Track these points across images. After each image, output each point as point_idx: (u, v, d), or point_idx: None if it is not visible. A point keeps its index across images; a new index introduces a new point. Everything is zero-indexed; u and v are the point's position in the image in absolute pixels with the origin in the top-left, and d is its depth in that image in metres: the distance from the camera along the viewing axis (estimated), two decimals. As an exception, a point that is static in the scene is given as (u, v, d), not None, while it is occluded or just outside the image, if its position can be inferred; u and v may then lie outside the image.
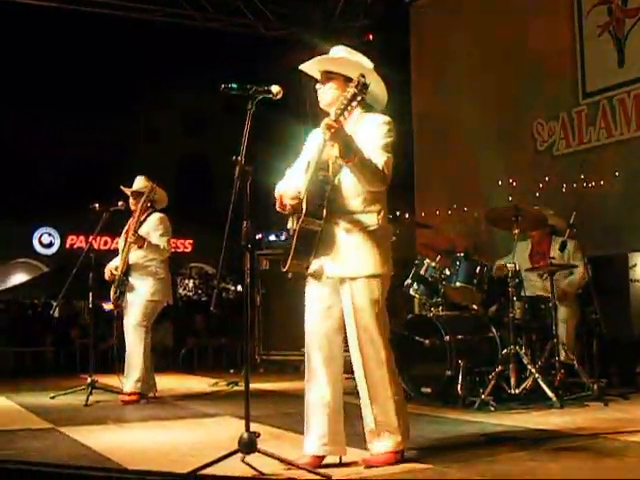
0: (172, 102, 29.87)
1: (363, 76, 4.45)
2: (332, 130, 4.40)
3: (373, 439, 4.83)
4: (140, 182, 9.29)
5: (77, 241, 27.89)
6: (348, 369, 4.95)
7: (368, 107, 5.02)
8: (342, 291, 4.82)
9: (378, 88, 5.04)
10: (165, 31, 17.57)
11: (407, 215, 9.33)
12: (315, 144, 4.94)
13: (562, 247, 8.49)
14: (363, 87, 4.43)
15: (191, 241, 29.58)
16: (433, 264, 8.89)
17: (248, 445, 4.38)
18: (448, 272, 8.69)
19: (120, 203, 9.03)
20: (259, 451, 4.41)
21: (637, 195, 9.86)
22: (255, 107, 4.64)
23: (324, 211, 4.67)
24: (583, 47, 10.71)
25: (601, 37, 10.46)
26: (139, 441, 6.29)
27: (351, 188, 4.76)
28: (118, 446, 5.87)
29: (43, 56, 25.55)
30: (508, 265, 8.17)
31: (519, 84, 11.57)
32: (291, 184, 4.92)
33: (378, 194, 4.84)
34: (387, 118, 4.90)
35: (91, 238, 9.30)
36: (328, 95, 4.94)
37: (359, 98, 4.46)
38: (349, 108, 4.45)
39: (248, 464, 4.37)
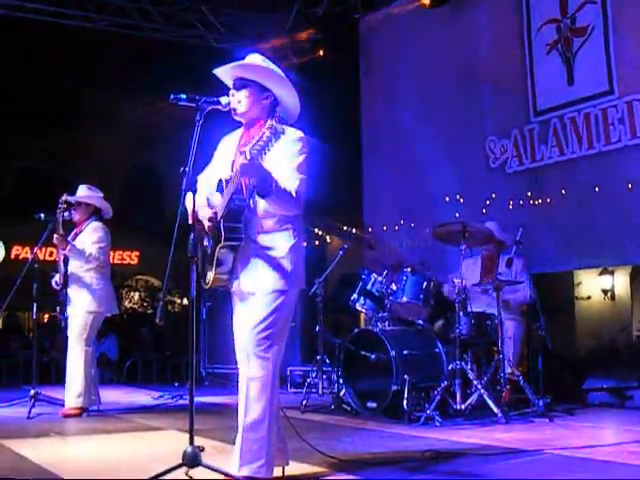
0: (122, 112, 29.63)
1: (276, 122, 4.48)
2: (247, 171, 4.43)
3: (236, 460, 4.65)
4: (81, 191, 9.19)
5: (22, 252, 27.46)
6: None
7: (279, 118, 5.00)
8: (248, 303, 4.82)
9: (292, 100, 5.03)
10: (115, 41, 17.44)
11: (354, 230, 9.31)
12: (225, 153, 5.03)
13: (509, 264, 8.55)
14: (276, 132, 4.41)
15: (137, 253, 29.30)
16: (380, 279, 8.90)
17: (192, 459, 4.34)
18: (395, 287, 8.71)
19: (66, 213, 8.92)
20: (203, 465, 4.37)
21: (584, 214, 9.93)
22: (204, 118, 4.61)
23: (242, 233, 4.70)
24: (533, 65, 10.76)
25: (550, 55, 10.53)
26: (82, 454, 6.24)
27: (266, 209, 4.76)
28: (60, 459, 5.83)
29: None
30: (455, 280, 8.21)
31: (471, 100, 11.60)
32: (203, 198, 4.87)
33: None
34: (300, 133, 4.88)
35: (36, 248, 9.19)
36: (242, 103, 4.86)
37: (274, 140, 4.44)
38: (266, 150, 4.41)
39: (192, 478, 4.32)
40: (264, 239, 4.79)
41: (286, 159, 4.74)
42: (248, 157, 4.38)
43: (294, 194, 4.67)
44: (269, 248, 4.78)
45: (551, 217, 10.26)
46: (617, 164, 9.67)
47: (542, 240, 10.10)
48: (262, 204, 4.74)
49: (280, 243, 4.80)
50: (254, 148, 4.38)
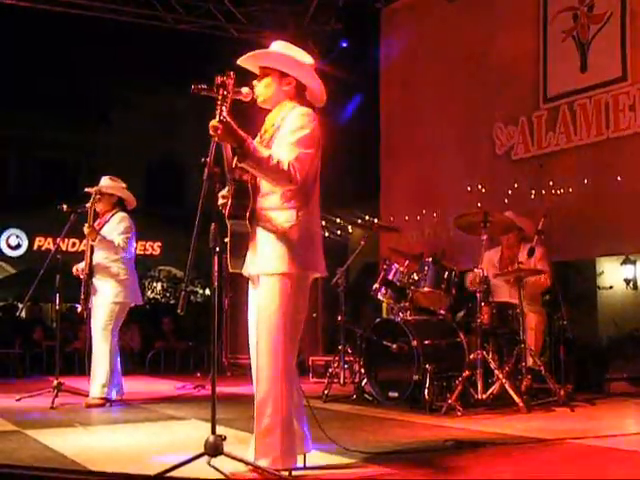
0: (142, 103, 29.69)
1: (225, 75, 4.51)
2: (218, 131, 4.37)
3: (252, 452, 4.66)
4: (103, 182, 9.23)
5: (45, 243, 27.59)
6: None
7: (307, 103, 4.96)
8: (257, 288, 4.79)
9: (314, 84, 5.00)
10: (136, 32, 17.47)
11: (375, 220, 9.32)
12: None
13: (530, 253, 8.53)
14: (219, 86, 4.47)
15: (160, 243, 29.39)
16: (401, 269, 8.91)
17: (214, 448, 4.35)
18: (416, 277, 8.71)
19: (88, 204, 8.93)
20: (225, 454, 4.38)
21: (590, 201, 9.91)
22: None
23: (247, 211, 4.64)
24: (546, 52, 10.75)
25: (564, 42, 10.50)
26: (105, 444, 6.26)
27: (268, 185, 4.67)
28: (84, 449, 5.85)
29: (11, 56, 25.33)
30: (476, 271, 8.20)
31: (483, 88, 11.63)
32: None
33: (299, 190, 4.71)
34: (305, 109, 4.81)
35: (59, 239, 9.21)
36: (263, 92, 4.86)
37: (227, 95, 4.47)
38: (223, 108, 4.42)
39: (214, 467, 4.34)
40: (266, 217, 4.68)
41: (287, 133, 4.69)
42: (217, 119, 4.38)
43: (285, 165, 4.53)
44: (271, 227, 4.66)
45: (556, 204, 10.23)
46: (625, 151, 9.66)
47: (558, 229, 10.04)
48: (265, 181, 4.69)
49: (282, 222, 4.65)
50: (217, 109, 4.41)
